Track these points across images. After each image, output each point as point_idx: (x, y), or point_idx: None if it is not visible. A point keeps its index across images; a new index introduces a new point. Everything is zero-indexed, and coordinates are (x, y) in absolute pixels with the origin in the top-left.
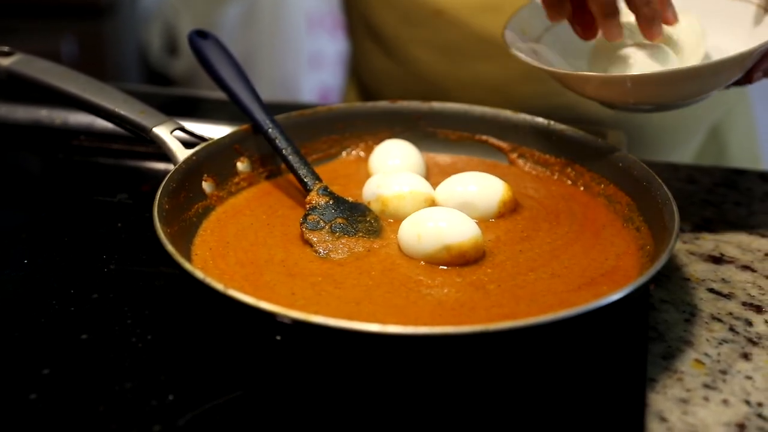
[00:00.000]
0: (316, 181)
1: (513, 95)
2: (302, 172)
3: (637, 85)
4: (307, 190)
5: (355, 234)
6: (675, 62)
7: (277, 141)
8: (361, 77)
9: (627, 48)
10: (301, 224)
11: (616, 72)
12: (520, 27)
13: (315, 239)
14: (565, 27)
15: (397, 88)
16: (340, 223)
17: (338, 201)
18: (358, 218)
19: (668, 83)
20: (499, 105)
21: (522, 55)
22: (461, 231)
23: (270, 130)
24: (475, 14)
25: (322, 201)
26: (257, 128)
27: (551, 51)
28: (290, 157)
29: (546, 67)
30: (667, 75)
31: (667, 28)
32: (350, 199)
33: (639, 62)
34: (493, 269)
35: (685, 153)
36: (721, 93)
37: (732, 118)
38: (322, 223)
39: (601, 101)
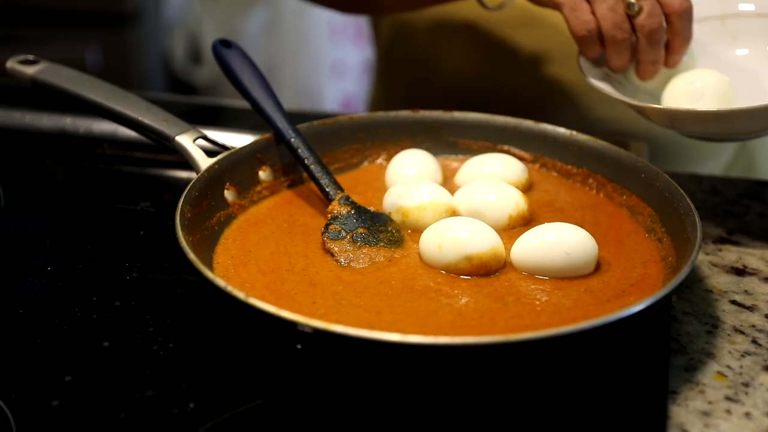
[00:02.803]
0: (338, 191)
1: (548, 109)
2: (324, 181)
3: (721, 120)
4: (329, 200)
5: (376, 244)
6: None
7: (299, 150)
8: (388, 86)
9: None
10: (323, 233)
11: (684, 105)
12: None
13: (336, 249)
14: None
15: (427, 98)
16: (361, 233)
17: (360, 211)
18: (380, 228)
19: (751, 118)
20: (533, 118)
21: (598, 83)
22: (482, 241)
23: (292, 139)
24: (511, 28)
25: (344, 211)
26: (280, 137)
27: (624, 76)
28: (312, 167)
29: (623, 98)
30: (752, 111)
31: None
32: (372, 209)
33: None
34: (513, 280)
35: (716, 166)
36: None
37: None
38: (343, 233)
39: (673, 129)
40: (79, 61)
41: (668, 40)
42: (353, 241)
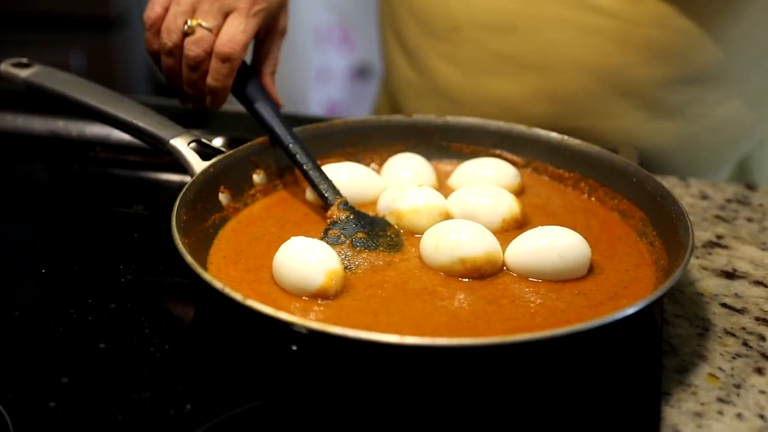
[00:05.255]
0: (337, 196)
1: (525, 114)
2: (323, 186)
3: None
4: (327, 205)
5: (375, 248)
6: None
7: (297, 156)
8: (389, 88)
9: None
10: (322, 238)
11: None
12: None
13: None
14: None
15: (419, 100)
16: (360, 238)
17: (359, 216)
18: (379, 233)
19: None
20: (512, 123)
21: None
22: (477, 244)
23: (291, 145)
24: (491, 32)
25: (343, 216)
26: (277, 142)
27: None
28: (311, 173)
29: None
30: None
31: None
32: (370, 213)
33: None
34: (508, 282)
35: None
36: (754, 126)
37: (763, 152)
38: (342, 238)
39: None
40: (64, 65)
41: None
42: (353, 246)
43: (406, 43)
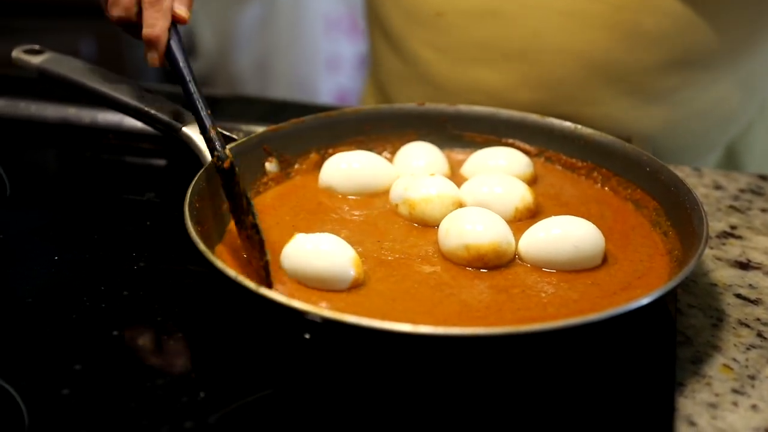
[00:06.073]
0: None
1: (510, 102)
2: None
3: None
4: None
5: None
6: None
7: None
8: (376, 77)
9: None
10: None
11: None
12: None
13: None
14: None
15: (406, 88)
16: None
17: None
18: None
19: None
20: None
21: None
22: (484, 233)
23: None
24: (475, 19)
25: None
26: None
27: None
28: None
29: None
30: None
31: None
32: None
33: None
34: (519, 272)
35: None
36: (742, 108)
37: (750, 135)
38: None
39: None
40: (74, 51)
41: None
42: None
43: (390, 30)
